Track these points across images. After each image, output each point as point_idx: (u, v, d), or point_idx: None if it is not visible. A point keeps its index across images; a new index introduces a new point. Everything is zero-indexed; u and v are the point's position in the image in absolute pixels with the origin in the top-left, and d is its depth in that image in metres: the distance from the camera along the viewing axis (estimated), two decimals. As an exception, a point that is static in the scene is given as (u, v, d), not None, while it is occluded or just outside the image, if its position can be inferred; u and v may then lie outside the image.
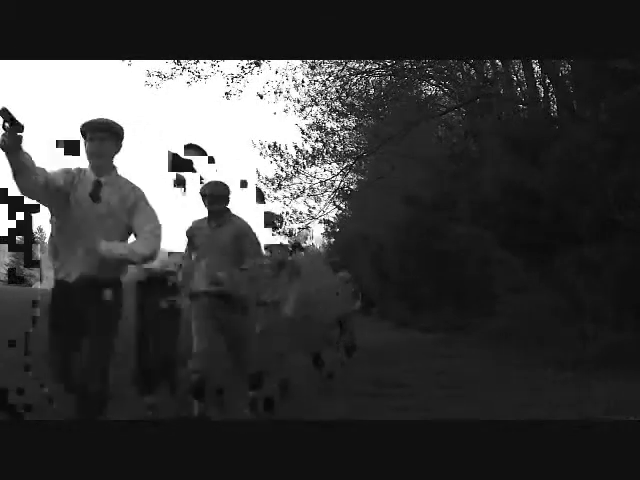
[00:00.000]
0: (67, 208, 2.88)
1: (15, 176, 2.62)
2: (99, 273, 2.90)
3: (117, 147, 3.01)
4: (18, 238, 3.05)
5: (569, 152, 8.36)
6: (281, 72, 11.38)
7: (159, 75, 10.27)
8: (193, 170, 3.80)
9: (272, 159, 13.46)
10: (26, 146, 2.62)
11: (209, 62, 9.92)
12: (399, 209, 17.29)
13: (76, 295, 2.88)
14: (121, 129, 3.02)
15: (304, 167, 13.55)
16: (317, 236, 32.26)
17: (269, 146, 13.40)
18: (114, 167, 3.03)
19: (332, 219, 27.28)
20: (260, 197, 4.56)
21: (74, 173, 2.94)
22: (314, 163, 13.67)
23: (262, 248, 4.42)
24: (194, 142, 3.74)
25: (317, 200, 14.28)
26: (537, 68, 11.37)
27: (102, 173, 2.96)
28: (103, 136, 2.93)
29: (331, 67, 12.09)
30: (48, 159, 2.91)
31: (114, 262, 2.88)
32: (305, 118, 13.83)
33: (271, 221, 4.52)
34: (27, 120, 2.56)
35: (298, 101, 13.11)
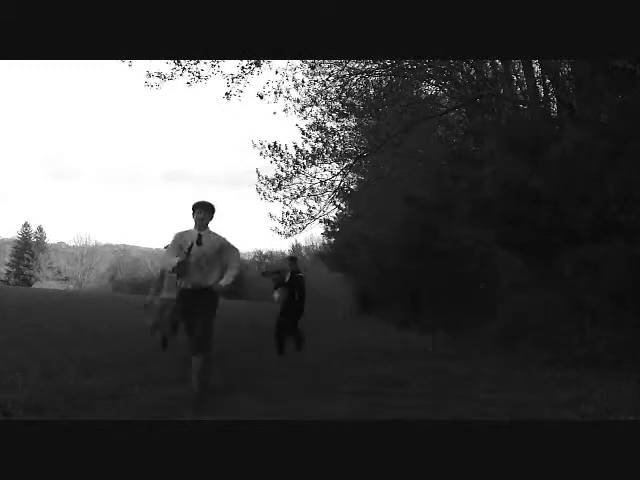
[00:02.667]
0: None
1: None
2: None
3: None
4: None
5: (569, 152, 8.35)
6: (281, 72, 11.40)
7: (159, 76, 10.24)
8: None
9: (272, 159, 13.45)
10: (26, 146, 2.62)
11: (209, 62, 9.92)
12: (399, 209, 17.27)
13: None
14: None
15: (304, 167, 13.54)
16: (317, 236, 32.30)
17: (269, 146, 13.38)
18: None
19: (332, 219, 27.28)
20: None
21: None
22: (314, 163, 13.66)
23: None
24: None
25: (317, 200, 14.26)
26: (537, 68, 11.36)
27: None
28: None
29: (331, 67, 12.09)
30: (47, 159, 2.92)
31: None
32: (305, 118, 13.84)
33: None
34: (27, 121, 2.57)
35: (298, 101, 13.12)
